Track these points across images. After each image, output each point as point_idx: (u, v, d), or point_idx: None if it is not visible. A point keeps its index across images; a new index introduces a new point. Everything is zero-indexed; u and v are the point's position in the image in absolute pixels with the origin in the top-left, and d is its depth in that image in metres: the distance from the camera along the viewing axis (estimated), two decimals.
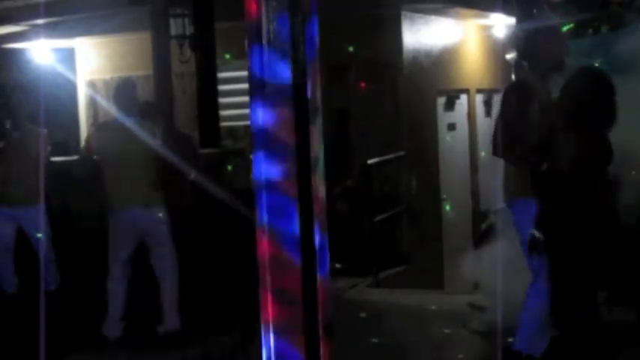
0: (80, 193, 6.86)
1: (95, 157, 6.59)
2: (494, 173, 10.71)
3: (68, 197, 7.81)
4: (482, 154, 11.73)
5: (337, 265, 8.08)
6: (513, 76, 9.38)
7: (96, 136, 6.80)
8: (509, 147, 4.92)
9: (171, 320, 6.51)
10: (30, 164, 6.66)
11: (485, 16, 11.02)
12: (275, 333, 2.50)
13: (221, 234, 7.23)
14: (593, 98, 4.62)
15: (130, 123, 6.42)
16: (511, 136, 4.88)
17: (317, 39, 2.40)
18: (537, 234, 4.62)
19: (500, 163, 5.59)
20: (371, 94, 9.88)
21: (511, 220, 5.24)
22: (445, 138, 10.90)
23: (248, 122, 2.30)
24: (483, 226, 9.81)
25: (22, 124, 6.88)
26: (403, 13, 9.85)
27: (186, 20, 9.17)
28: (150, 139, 6.41)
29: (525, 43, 5.26)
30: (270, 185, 2.42)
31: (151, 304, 6.63)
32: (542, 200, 4.77)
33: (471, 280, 7.22)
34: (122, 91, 6.63)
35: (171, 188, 6.69)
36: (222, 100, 9.58)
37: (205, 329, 6.73)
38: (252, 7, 2.32)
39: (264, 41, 2.31)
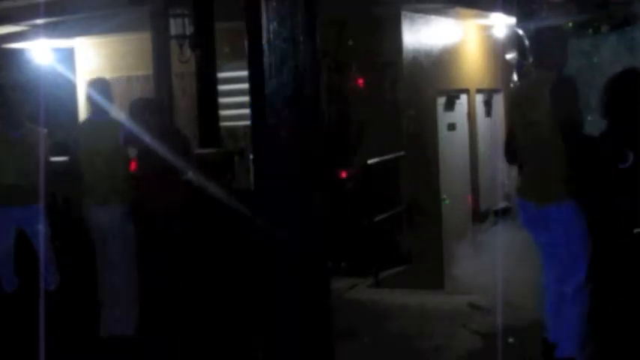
0: (79, 192, 6.90)
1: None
2: (495, 174, 10.72)
3: (68, 196, 7.82)
4: (482, 154, 11.75)
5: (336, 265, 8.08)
6: (515, 76, 9.38)
7: (73, 135, 6.94)
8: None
9: (114, 325, 6.53)
10: (31, 163, 6.66)
11: (485, 16, 11.02)
12: (275, 333, 2.50)
13: (220, 234, 7.22)
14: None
15: (105, 121, 6.61)
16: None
17: (317, 39, 2.40)
18: None
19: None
20: (371, 93, 9.88)
21: (539, 221, 5.15)
22: (445, 138, 10.90)
23: (248, 122, 2.30)
24: (487, 222, 9.82)
25: (22, 123, 6.88)
26: (403, 13, 9.84)
27: (186, 20, 9.16)
28: (119, 137, 6.53)
29: (536, 42, 5.24)
30: (271, 185, 2.41)
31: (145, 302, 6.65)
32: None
33: (468, 276, 7.22)
34: (93, 90, 6.75)
35: (148, 189, 6.71)
36: (222, 100, 9.58)
37: (204, 329, 6.73)
38: (252, 7, 2.32)
39: (264, 41, 2.31)
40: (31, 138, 6.81)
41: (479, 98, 11.92)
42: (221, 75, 9.62)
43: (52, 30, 10.61)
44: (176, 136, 7.14)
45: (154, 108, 7.17)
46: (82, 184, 6.68)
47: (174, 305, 6.81)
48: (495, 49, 11.51)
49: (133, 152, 6.74)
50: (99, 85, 6.89)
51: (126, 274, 6.56)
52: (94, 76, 11.89)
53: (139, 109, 6.89)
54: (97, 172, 6.54)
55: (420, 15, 10.21)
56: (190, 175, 6.95)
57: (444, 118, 10.98)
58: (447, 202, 10.69)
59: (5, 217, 6.86)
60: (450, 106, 11.17)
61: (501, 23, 11.11)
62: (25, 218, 6.85)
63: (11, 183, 6.83)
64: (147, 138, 6.59)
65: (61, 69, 10.86)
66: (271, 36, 2.32)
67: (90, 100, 6.84)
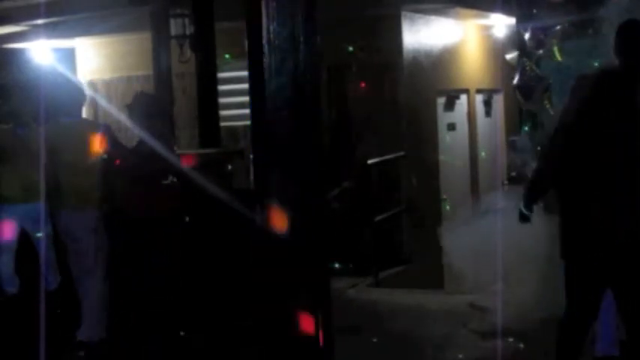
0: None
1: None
2: (495, 173, 10.69)
3: None
4: (483, 154, 11.74)
5: (336, 265, 8.08)
6: (518, 76, 9.37)
7: (46, 135, 6.84)
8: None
9: (89, 331, 6.45)
10: (34, 163, 6.65)
11: (486, 16, 11.02)
12: (275, 333, 2.50)
13: (218, 234, 7.20)
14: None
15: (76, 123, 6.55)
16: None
17: (317, 39, 2.41)
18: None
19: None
20: (371, 93, 9.88)
21: None
22: (445, 138, 10.90)
23: (248, 122, 2.30)
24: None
25: (26, 122, 6.88)
26: (403, 13, 9.84)
27: (186, 20, 9.17)
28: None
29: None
30: (270, 185, 2.42)
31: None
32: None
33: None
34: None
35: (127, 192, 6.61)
36: (222, 100, 9.58)
37: (204, 330, 6.73)
38: (252, 7, 2.32)
39: (264, 41, 2.31)
40: (35, 137, 6.80)
41: (479, 98, 11.92)
42: (221, 75, 9.62)
43: (52, 30, 10.60)
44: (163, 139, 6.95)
45: (156, 109, 7.06)
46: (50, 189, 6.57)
47: (167, 308, 6.76)
48: (495, 49, 11.51)
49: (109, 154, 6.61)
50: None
51: (96, 282, 6.48)
52: (95, 76, 11.99)
53: (142, 105, 6.82)
54: (65, 176, 6.43)
55: (420, 15, 10.21)
56: (172, 178, 6.83)
57: (444, 118, 10.98)
58: (448, 207, 10.70)
59: (8, 214, 6.86)
60: (450, 106, 11.18)
61: (501, 23, 11.11)
62: (27, 216, 6.84)
63: (16, 181, 6.82)
64: (126, 140, 6.52)
65: (61, 69, 10.87)
66: (271, 36, 2.32)
67: (59, 100, 6.72)
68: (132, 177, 6.57)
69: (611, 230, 4.40)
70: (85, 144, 6.43)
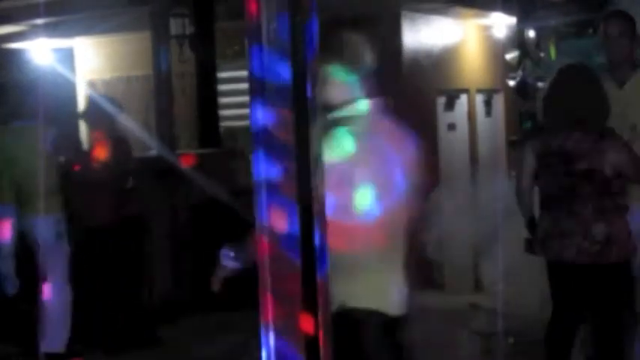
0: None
1: None
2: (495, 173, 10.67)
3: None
4: (482, 150, 11.74)
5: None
6: (518, 76, 9.39)
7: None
8: None
9: (51, 340, 6.30)
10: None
11: (486, 16, 11.02)
12: (275, 333, 2.50)
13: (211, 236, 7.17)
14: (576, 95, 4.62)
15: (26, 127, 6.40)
16: None
17: (317, 39, 2.40)
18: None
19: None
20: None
21: None
22: (445, 138, 10.89)
23: (248, 122, 2.30)
24: None
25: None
26: (403, 13, 9.85)
27: (186, 20, 9.18)
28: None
29: None
30: (270, 185, 2.41)
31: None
32: None
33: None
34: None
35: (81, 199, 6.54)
36: (222, 100, 9.58)
37: (205, 331, 6.73)
38: (252, 7, 2.32)
39: (264, 41, 2.31)
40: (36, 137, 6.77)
41: (479, 98, 11.91)
42: (221, 75, 9.62)
43: (51, 30, 10.61)
44: (117, 143, 6.85)
45: (103, 112, 6.90)
46: None
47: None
48: (495, 49, 11.51)
49: (64, 159, 6.49)
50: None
51: (59, 290, 6.38)
52: (94, 76, 11.99)
53: (92, 110, 6.74)
54: (24, 182, 6.28)
55: (420, 15, 10.21)
56: (131, 183, 6.75)
57: (444, 118, 10.97)
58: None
59: (6, 214, 6.84)
60: (450, 106, 11.17)
61: (501, 23, 11.11)
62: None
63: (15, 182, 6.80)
64: (82, 144, 6.42)
65: (60, 69, 10.87)
66: (271, 36, 2.32)
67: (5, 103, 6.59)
68: (88, 182, 6.50)
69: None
70: (34, 150, 6.25)
